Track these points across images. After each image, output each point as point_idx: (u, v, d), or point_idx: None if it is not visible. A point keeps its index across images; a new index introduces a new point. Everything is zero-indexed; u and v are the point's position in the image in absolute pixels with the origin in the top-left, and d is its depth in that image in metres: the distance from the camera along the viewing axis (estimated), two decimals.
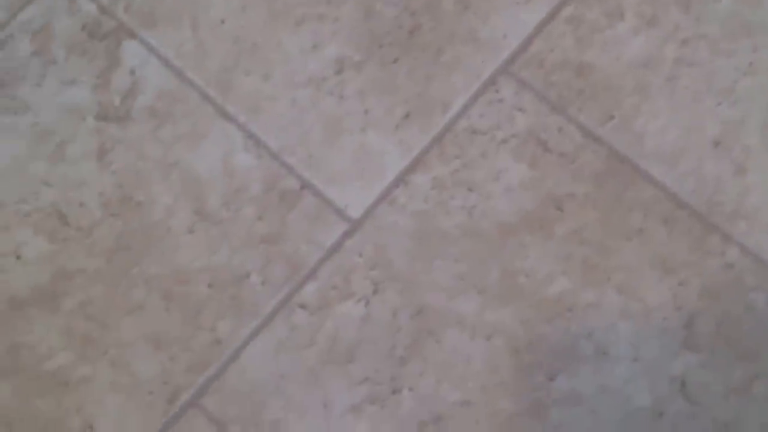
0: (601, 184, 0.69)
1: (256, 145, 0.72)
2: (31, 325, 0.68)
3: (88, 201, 0.71)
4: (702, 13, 0.72)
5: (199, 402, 0.66)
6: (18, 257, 0.69)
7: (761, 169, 0.68)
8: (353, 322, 0.67)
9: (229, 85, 0.73)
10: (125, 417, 0.66)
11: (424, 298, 0.67)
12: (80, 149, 0.72)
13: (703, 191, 0.68)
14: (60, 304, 0.68)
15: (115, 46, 0.74)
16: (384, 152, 0.71)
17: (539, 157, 0.70)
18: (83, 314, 0.68)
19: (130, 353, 0.67)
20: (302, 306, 0.68)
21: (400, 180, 0.70)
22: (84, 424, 0.66)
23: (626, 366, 0.65)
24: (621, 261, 0.67)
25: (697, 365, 0.64)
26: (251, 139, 0.72)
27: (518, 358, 0.66)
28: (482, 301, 0.67)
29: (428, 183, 0.70)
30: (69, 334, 0.67)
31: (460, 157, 0.70)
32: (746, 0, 0.72)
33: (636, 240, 0.68)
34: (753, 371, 0.64)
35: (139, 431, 0.65)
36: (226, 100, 0.73)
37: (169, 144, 0.72)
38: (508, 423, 0.64)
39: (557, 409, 0.64)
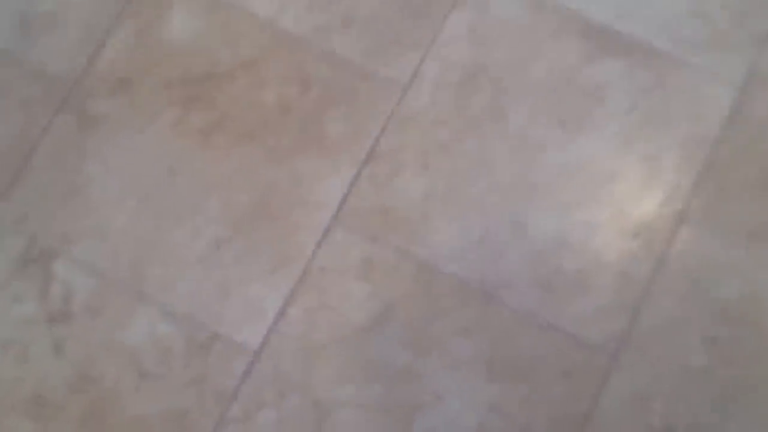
0: (417, 284, 1.01)
1: (172, 313, 0.98)
2: None
3: (56, 385, 0.94)
4: (457, 155, 1.06)
5: None
6: None
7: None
8: (272, 424, 0.95)
9: (141, 274, 0.99)
10: None
11: (316, 394, 0.96)
12: (39, 349, 0.96)
13: (490, 277, 1.02)
14: None
15: (46, 264, 0.99)
16: (264, 297, 1.00)
17: (372, 276, 1.01)
18: None
19: None
20: (233, 422, 0.95)
21: (280, 315, 0.99)
22: None
23: (456, 403, 0.97)
24: (436, 333, 0.99)
25: (498, 392, 0.97)
26: (167, 310, 0.99)
27: (386, 418, 0.96)
28: (356, 388, 0.97)
29: (301, 312, 0.99)
30: None
31: (319, 288, 1.00)
32: (482, 140, 1.06)
33: (446, 316, 1.00)
34: (532, 386, 0.97)
35: None
36: (141, 286, 0.99)
37: (106, 329, 0.97)
38: None
39: None
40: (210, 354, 0.97)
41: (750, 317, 0.98)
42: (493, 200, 1.04)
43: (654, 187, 1.02)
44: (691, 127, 1.04)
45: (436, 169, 1.05)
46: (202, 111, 1.06)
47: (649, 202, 1.02)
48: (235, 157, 1.05)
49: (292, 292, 1.00)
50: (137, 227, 1.02)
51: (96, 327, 0.98)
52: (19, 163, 1.03)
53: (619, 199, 1.02)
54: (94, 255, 1.00)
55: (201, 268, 1.00)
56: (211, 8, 1.10)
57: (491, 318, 1.00)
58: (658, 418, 0.96)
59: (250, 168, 1.05)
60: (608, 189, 1.02)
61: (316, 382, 0.97)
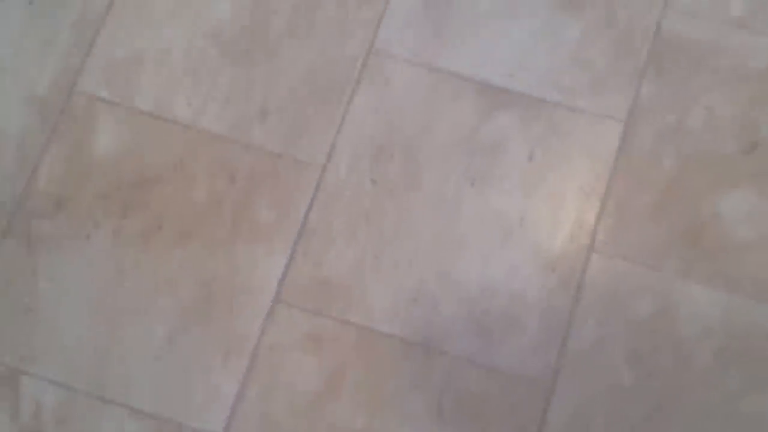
0: (361, 348, 1.09)
1: (137, 412, 1.05)
2: None
3: None
4: (381, 222, 1.14)
5: None
6: None
7: None
8: None
9: (103, 379, 1.06)
10: None
11: None
12: None
13: (427, 330, 1.10)
14: None
15: (14, 384, 1.05)
16: (221, 383, 1.07)
17: (318, 347, 1.08)
18: None
19: None
20: None
21: (238, 398, 1.06)
22: None
23: None
24: (386, 391, 1.07)
25: None
26: (131, 410, 1.05)
27: None
28: None
29: (257, 392, 1.06)
30: None
31: (271, 367, 1.07)
32: (401, 204, 1.15)
33: (393, 373, 1.07)
34: (482, 426, 1.05)
35: None
36: (104, 390, 1.06)
37: None
38: None
39: None
40: None
41: (665, 329, 1.08)
42: (419, 259, 1.12)
43: (562, 224, 1.12)
44: (587, 165, 1.14)
45: (364, 237, 1.13)
46: (139, 215, 1.14)
47: (559, 238, 1.11)
48: (176, 254, 1.12)
49: (246, 374, 1.07)
50: (93, 335, 1.08)
51: None
52: None
53: (533, 239, 1.11)
54: (57, 368, 1.06)
55: (158, 365, 1.07)
56: (134, 119, 1.17)
57: (435, 368, 1.08)
58: None
59: (191, 263, 1.12)
60: (521, 232, 1.12)
61: None
